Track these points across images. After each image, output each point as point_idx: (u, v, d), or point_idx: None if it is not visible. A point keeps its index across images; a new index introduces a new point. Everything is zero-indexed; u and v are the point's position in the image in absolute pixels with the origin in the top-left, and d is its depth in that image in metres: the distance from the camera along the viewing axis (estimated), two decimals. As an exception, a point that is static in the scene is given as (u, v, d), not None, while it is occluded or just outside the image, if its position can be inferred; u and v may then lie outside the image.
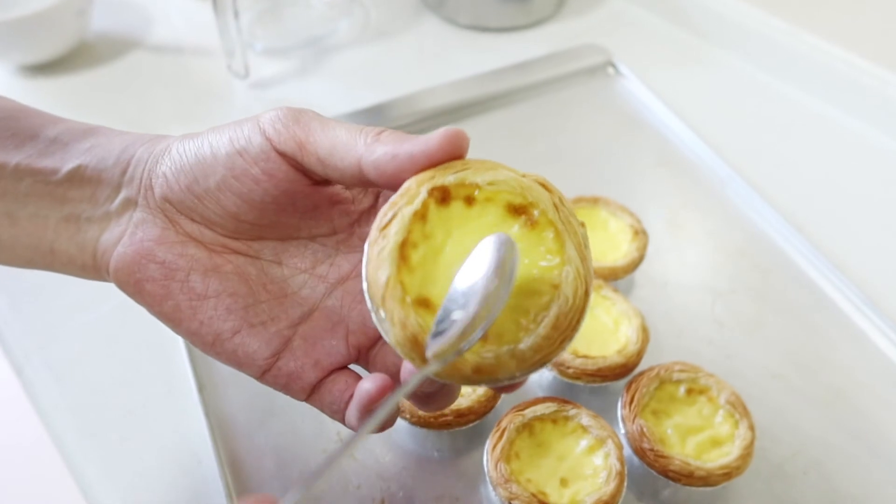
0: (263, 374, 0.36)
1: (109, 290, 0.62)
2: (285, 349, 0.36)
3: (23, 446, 0.54)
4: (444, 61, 0.90)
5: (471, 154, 0.33)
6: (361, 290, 0.36)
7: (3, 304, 0.62)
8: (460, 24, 0.95)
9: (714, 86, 0.87)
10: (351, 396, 0.35)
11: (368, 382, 0.33)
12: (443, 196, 0.32)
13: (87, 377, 0.57)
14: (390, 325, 0.30)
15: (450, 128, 0.32)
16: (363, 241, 0.37)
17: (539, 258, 0.31)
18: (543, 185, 0.33)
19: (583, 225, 0.33)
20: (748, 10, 0.88)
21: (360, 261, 0.38)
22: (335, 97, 0.84)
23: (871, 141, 0.79)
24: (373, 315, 0.31)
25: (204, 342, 0.35)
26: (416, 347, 0.30)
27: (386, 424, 0.37)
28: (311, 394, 0.36)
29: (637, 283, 0.64)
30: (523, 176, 0.33)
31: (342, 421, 0.36)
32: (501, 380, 0.31)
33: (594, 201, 0.64)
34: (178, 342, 0.58)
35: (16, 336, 0.59)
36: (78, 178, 0.35)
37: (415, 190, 0.31)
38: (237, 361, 0.35)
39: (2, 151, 0.35)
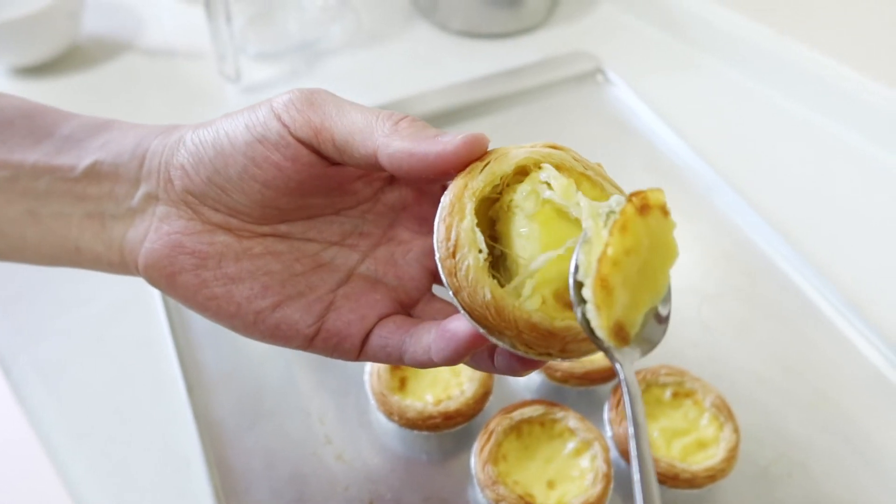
0: (312, 341, 0.35)
1: (98, 289, 0.63)
2: (328, 311, 0.36)
3: (10, 446, 0.53)
4: (435, 67, 0.90)
5: None
6: (392, 256, 0.38)
7: (-9, 304, 0.62)
8: (452, 30, 0.96)
9: (702, 93, 0.88)
10: (405, 336, 0.35)
11: (458, 323, 0.32)
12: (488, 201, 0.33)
13: (75, 378, 0.57)
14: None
15: (471, 134, 0.31)
16: (388, 207, 0.38)
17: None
18: (554, 147, 0.34)
19: (599, 165, 0.34)
20: (736, 18, 0.89)
21: (388, 225, 0.38)
22: (326, 101, 0.84)
23: (856, 148, 0.80)
24: (492, 338, 0.30)
25: (245, 323, 0.35)
26: (618, 332, 0.30)
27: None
28: (360, 351, 0.36)
29: (625, 288, 0.64)
30: (532, 147, 0.33)
31: (399, 362, 0.35)
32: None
33: (583, 206, 0.65)
34: (168, 343, 0.58)
35: (3, 336, 0.59)
36: (95, 174, 0.35)
37: (458, 204, 0.31)
38: (282, 336, 0.35)
39: (19, 150, 0.35)
